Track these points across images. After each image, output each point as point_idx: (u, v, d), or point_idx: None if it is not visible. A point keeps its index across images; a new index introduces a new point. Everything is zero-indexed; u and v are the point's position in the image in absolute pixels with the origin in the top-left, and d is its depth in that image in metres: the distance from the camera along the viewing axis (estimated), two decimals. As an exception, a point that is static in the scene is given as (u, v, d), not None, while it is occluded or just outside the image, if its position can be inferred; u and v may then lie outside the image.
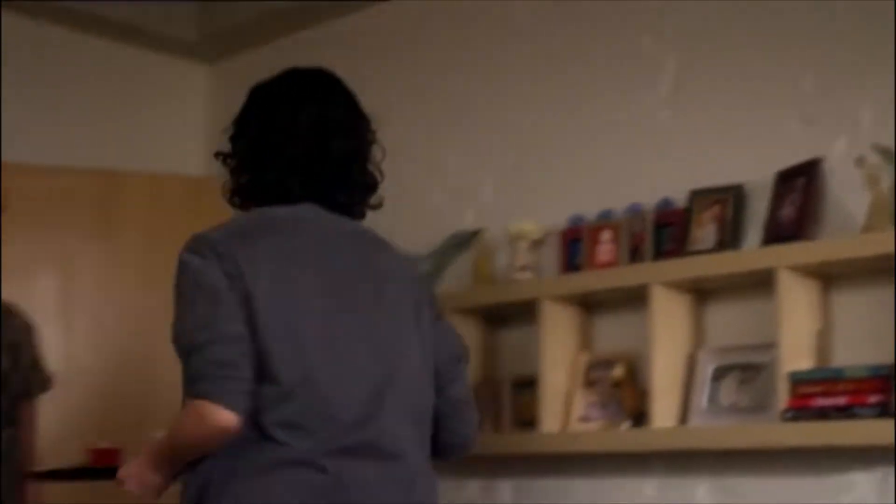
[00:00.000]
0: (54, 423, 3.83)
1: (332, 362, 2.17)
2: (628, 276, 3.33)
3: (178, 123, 4.94)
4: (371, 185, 2.40)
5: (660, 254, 3.34)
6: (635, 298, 3.32)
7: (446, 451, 2.41)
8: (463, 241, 3.86)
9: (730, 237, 3.21)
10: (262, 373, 2.13)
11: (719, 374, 3.20)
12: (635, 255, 3.41)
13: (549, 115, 3.77)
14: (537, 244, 3.69)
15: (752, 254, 3.12)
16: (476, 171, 3.96)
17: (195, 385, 2.11)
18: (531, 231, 3.65)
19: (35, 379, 2.92)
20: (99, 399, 4.35)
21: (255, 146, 2.33)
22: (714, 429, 3.14)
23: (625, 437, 3.29)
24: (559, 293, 3.47)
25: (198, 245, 2.27)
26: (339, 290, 2.23)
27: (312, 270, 2.22)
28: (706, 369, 3.23)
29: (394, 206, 4.10)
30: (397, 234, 3.96)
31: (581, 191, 3.64)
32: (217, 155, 2.42)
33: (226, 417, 2.08)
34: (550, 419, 3.44)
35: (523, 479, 3.65)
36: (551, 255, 3.65)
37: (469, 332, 3.74)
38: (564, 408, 3.47)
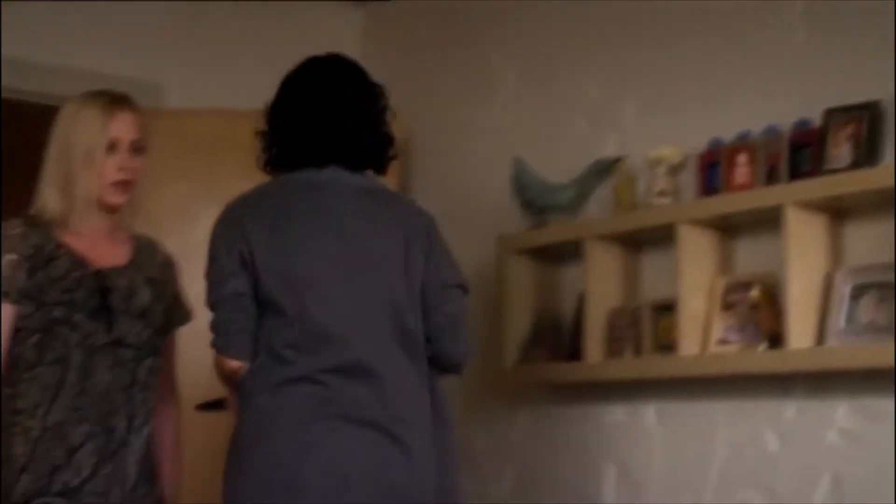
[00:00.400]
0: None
1: (323, 296, 2.71)
2: (763, 197, 3.30)
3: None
4: (382, 146, 2.94)
5: (796, 174, 3.30)
6: (772, 220, 3.29)
7: (444, 368, 2.92)
8: (604, 169, 3.88)
9: (866, 155, 3.16)
10: (271, 308, 2.72)
11: (857, 294, 3.16)
12: (771, 176, 3.38)
13: (686, 40, 3.75)
14: (677, 169, 3.68)
15: (888, 171, 3.06)
16: (617, 100, 3.97)
17: (212, 339, 2.77)
18: (669, 156, 3.65)
19: (176, 312, 3.05)
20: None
21: (278, 126, 2.92)
22: (852, 348, 3.10)
23: (761, 358, 3.28)
24: (695, 217, 3.47)
25: (221, 214, 2.88)
26: (336, 237, 2.76)
27: (312, 222, 2.77)
28: (843, 289, 3.19)
29: (539, 136, 4.21)
30: (543, 163, 4.04)
31: (720, 114, 3.61)
32: (256, 133, 2.99)
33: (233, 364, 2.75)
34: (689, 343, 3.45)
35: (666, 403, 3.68)
36: (691, 180, 3.65)
37: (610, 259, 3.78)
38: (703, 331, 3.47)
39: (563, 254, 3.98)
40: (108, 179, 2.91)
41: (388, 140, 2.95)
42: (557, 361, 3.88)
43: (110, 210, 2.96)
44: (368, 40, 5.11)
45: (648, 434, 3.72)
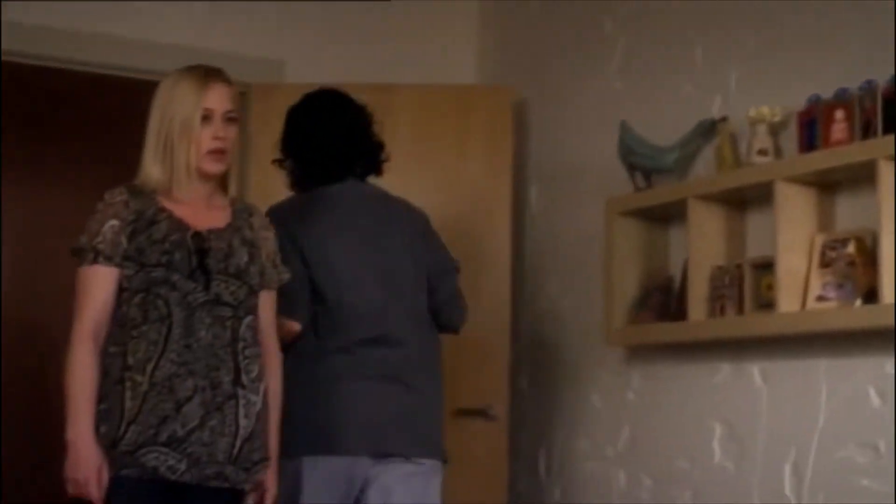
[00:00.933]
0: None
1: (355, 286, 3.47)
2: (856, 152, 3.30)
3: (451, 34, 5.17)
4: (377, 153, 3.71)
5: (889, 129, 3.29)
6: (870, 176, 3.28)
7: (448, 331, 3.75)
8: (707, 130, 3.91)
9: (958, 107, 3.13)
10: (317, 298, 3.45)
11: (951, 248, 3.14)
12: (867, 131, 3.36)
13: (786, 2, 3.76)
14: (777, 128, 3.69)
15: (980, 122, 3.04)
16: (722, 62, 3.98)
17: (281, 303, 3.29)
18: (768, 115, 3.66)
19: (272, 273, 3.20)
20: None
21: (298, 153, 3.64)
22: (947, 303, 3.09)
23: (857, 314, 3.28)
24: (790, 174, 3.48)
25: (272, 217, 3.39)
26: (360, 237, 3.53)
27: (341, 226, 3.51)
28: (938, 243, 3.17)
29: (648, 100, 4.25)
30: (651, 127, 4.09)
31: (819, 72, 3.60)
32: (274, 162, 3.69)
33: (294, 327, 3.42)
34: (788, 300, 3.47)
35: (770, 362, 3.69)
36: (792, 138, 3.65)
37: (713, 218, 3.81)
38: (802, 288, 3.48)
39: (672, 216, 4.03)
40: (204, 148, 3.07)
41: (381, 147, 3.72)
42: (664, 322, 3.92)
43: (207, 178, 3.13)
44: (486, 12, 5.21)
45: (753, 392, 3.75)
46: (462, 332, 4.53)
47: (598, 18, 4.54)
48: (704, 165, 3.98)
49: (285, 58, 4.85)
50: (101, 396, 2.96)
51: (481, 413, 4.55)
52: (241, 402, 3.03)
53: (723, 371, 3.86)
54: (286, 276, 3.29)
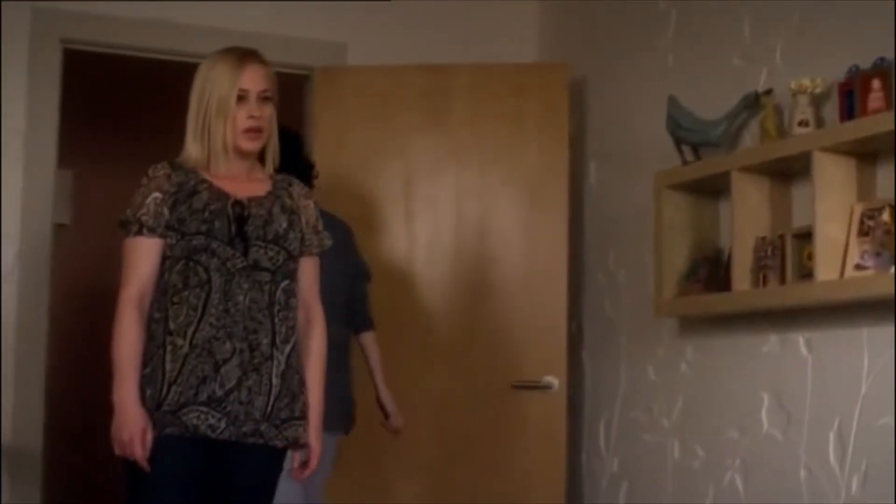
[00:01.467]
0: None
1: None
2: (889, 121, 3.31)
3: (512, 14, 5.25)
4: (307, 172, 4.02)
5: (926, 97, 3.30)
6: (906, 144, 3.31)
7: (355, 326, 4.17)
8: (752, 103, 3.94)
9: None
10: None
11: (983, 214, 3.15)
12: (903, 100, 3.38)
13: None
14: (820, 98, 3.71)
15: None
16: (768, 34, 4.01)
17: None
18: (809, 86, 3.68)
19: (312, 240, 3.32)
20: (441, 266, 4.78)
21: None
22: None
23: (890, 281, 3.30)
24: (827, 144, 3.50)
25: None
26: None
27: None
28: (970, 209, 3.18)
29: (698, 75, 4.29)
30: (702, 101, 4.13)
31: (862, 42, 3.61)
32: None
33: None
34: (826, 269, 3.49)
35: (815, 331, 3.72)
36: (833, 109, 3.67)
37: (756, 190, 3.85)
38: (841, 257, 3.51)
39: (720, 188, 4.06)
40: (240, 127, 3.18)
41: (311, 167, 4.10)
42: (712, 293, 3.97)
43: (244, 155, 3.24)
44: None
45: (799, 362, 3.78)
46: (520, 307, 4.65)
47: (652, -5, 4.60)
48: (751, 138, 4.01)
49: (347, 41, 4.97)
50: (146, 360, 3.10)
51: (540, 387, 4.63)
52: (275, 362, 3.15)
53: (770, 341, 3.90)
54: (328, 241, 3.39)
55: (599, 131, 4.89)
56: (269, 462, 3.22)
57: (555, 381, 4.65)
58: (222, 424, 3.09)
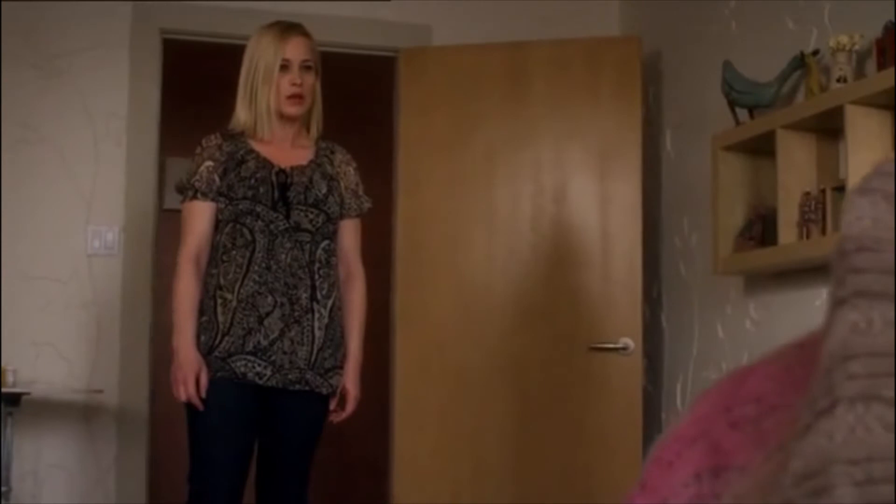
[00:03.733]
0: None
1: None
2: (909, 71, 3.38)
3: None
4: None
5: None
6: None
7: None
8: (798, 63, 4.02)
9: None
10: None
11: None
12: (929, 51, 3.43)
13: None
14: (862, 55, 3.78)
15: None
16: (817, -5, 4.09)
17: None
18: (847, 42, 3.75)
19: (351, 204, 3.59)
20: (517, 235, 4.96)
21: None
22: None
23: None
24: (855, 97, 3.57)
25: None
26: None
27: None
28: None
29: (757, 39, 4.38)
30: (763, 63, 4.23)
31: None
32: None
33: None
34: (860, 220, 3.56)
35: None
36: (874, 65, 3.73)
37: (801, 147, 3.94)
38: (875, 208, 3.57)
39: (774, 148, 4.15)
40: (284, 93, 3.49)
41: None
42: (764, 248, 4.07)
43: (288, 119, 3.54)
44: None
45: (847, 314, 3.84)
46: (596, 272, 4.81)
47: (717, -36, 4.70)
48: (803, 98, 4.09)
49: (432, 23, 5.19)
50: (202, 311, 3.43)
51: (617, 349, 4.78)
52: (317, 315, 3.44)
53: (822, 296, 3.98)
54: (367, 204, 3.68)
55: (673, 101, 5.01)
56: (315, 407, 3.51)
57: (631, 342, 4.78)
58: (268, 372, 3.39)
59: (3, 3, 4.78)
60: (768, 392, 0.80)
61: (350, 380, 3.54)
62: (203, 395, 3.36)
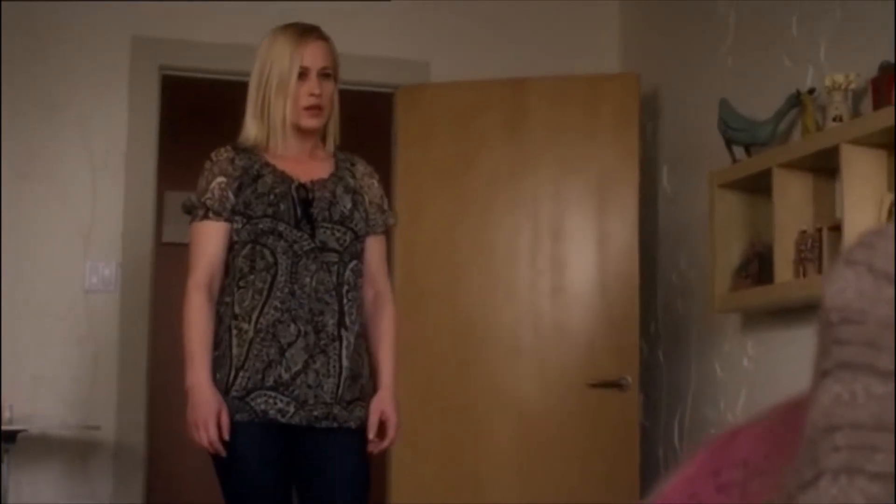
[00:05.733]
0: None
1: None
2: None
3: (594, 27, 5.42)
4: None
5: (942, 87, 3.36)
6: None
7: None
8: (794, 102, 4.03)
9: None
10: None
11: None
12: (923, 91, 3.44)
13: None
14: (858, 94, 3.79)
15: None
16: (813, 33, 4.10)
17: None
18: (843, 82, 3.77)
19: (377, 219, 3.31)
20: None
21: None
22: None
23: None
24: (851, 137, 3.59)
25: None
26: None
27: None
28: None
29: (754, 75, 4.39)
30: (758, 101, 4.24)
31: (889, 39, 3.67)
32: None
33: None
34: (856, 258, 3.57)
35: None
36: (869, 104, 3.75)
37: (798, 185, 3.94)
38: (872, 247, 3.57)
39: (770, 186, 4.16)
40: (301, 104, 3.15)
41: None
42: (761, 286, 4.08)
43: (305, 133, 3.21)
44: (626, 3, 5.43)
45: (844, 352, 3.85)
46: (594, 308, 4.81)
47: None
48: (800, 136, 4.10)
49: (429, 59, 5.21)
50: (216, 344, 3.08)
51: (615, 385, 4.77)
52: (344, 343, 3.11)
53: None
54: (392, 220, 3.39)
55: (671, 137, 5.03)
56: (350, 443, 3.16)
57: (629, 379, 4.78)
58: (291, 409, 3.05)
59: (2, 4, 4.77)
60: (755, 455, 0.81)
61: (389, 405, 3.22)
62: (226, 437, 3.01)
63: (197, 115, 6.17)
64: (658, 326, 5.01)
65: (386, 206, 3.37)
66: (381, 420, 3.21)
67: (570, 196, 4.95)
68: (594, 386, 4.79)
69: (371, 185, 3.33)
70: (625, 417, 4.77)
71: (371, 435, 3.20)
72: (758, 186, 4.21)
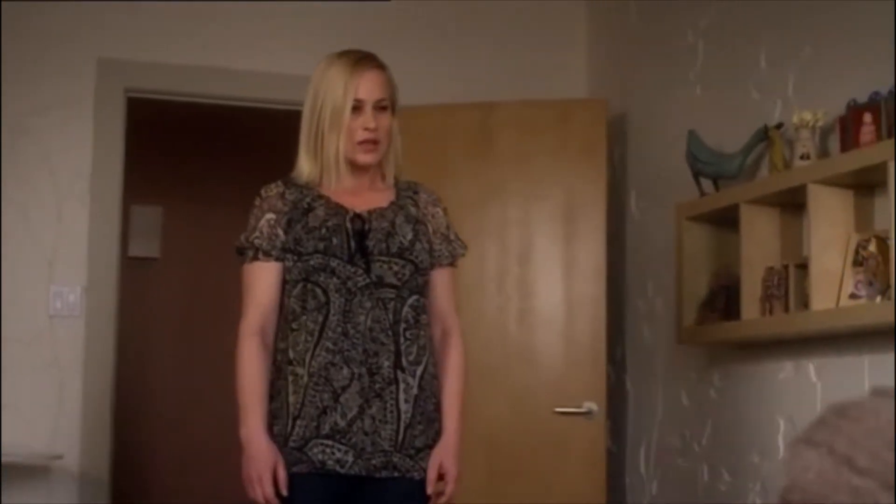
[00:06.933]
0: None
1: None
2: (871, 155, 3.40)
3: (562, 52, 5.41)
4: None
5: (908, 130, 3.37)
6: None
7: None
8: (762, 136, 4.04)
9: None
10: None
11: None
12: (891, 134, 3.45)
13: (838, 9, 3.85)
14: (825, 131, 3.80)
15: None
16: (782, 67, 4.10)
17: None
18: (811, 119, 3.77)
19: (442, 251, 3.11)
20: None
21: None
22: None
23: (878, 310, 3.38)
24: (818, 177, 3.60)
25: None
26: None
27: None
28: (948, 241, 3.24)
29: (722, 107, 4.40)
30: (727, 132, 4.24)
31: (868, 75, 3.67)
32: None
33: None
34: (823, 298, 3.58)
35: (823, 358, 3.81)
36: (836, 142, 3.76)
37: (765, 221, 3.95)
38: (838, 287, 3.59)
39: (738, 220, 4.16)
40: (355, 139, 2.97)
41: None
42: (727, 321, 4.08)
43: (360, 170, 3.02)
44: (594, 28, 5.42)
45: (810, 388, 3.87)
46: (561, 335, 4.81)
47: (682, 29, 4.71)
48: (767, 170, 4.11)
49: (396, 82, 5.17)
50: (274, 394, 2.93)
51: (581, 413, 4.77)
52: (402, 386, 2.91)
53: (786, 368, 3.99)
54: (462, 250, 3.15)
55: (639, 163, 5.03)
56: (410, 495, 2.95)
57: (595, 407, 4.78)
58: (349, 458, 2.88)
59: (2, 4, 4.75)
60: None
61: (449, 457, 2.97)
62: (284, 492, 2.86)
63: (164, 137, 6.15)
64: (625, 352, 5.02)
65: (453, 236, 3.15)
66: (440, 472, 2.98)
67: (537, 221, 4.95)
68: (560, 413, 4.79)
69: (435, 214, 3.13)
70: (591, 445, 4.78)
71: (429, 490, 2.96)
72: (725, 219, 4.22)
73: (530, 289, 4.91)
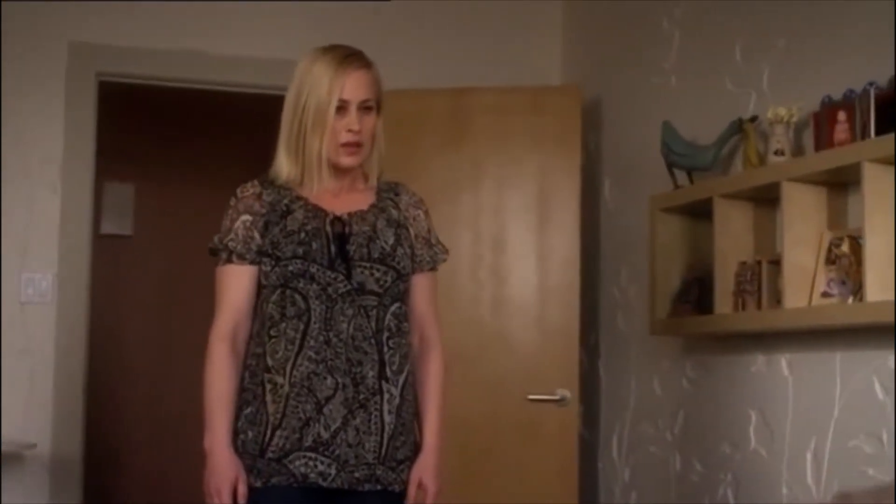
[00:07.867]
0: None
1: None
2: (844, 155, 3.41)
3: (537, 38, 5.39)
4: None
5: (883, 130, 3.36)
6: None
7: None
8: (736, 129, 4.03)
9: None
10: None
11: (933, 247, 3.22)
12: (864, 133, 3.45)
13: (813, 4, 3.85)
14: (799, 126, 3.80)
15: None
16: (756, 60, 4.10)
17: None
18: (785, 115, 3.77)
19: (423, 256, 3.01)
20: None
21: None
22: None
23: (849, 310, 3.39)
24: (791, 175, 3.60)
25: None
26: None
27: None
28: (920, 242, 3.25)
29: (696, 97, 4.39)
30: (702, 123, 4.24)
31: (843, 69, 3.66)
32: None
33: None
34: (795, 296, 3.59)
35: (795, 353, 3.82)
36: (810, 138, 3.76)
37: (738, 216, 3.95)
38: (811, 284, 3.60)
39: (711, 212, 4.16)
40: (338, 140, 2.86)
41: None
42: (700, 313, 4.09)
43: (342, 172, 2.91)
44: (569, 16, 5.40)
45: (782, 382, 3.88)
46: (534, 321, 4.81)
47: (658, 17, 4.70)
48: (742, 164, 4.11)
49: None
50: (248, 400, 2.84)
51: (554, 400, 4.78)
52: (386, 396, 2.83)
53: (758, 361, 4.01)
54: (443, 255, 3.05)
55: (614, 150, 5.02)
56: None
57: (568, 393, 4.80)
58: (332, 471, 2.79)
59: (2, 4, 4.70)
60: None
61: (428, 472, 2.91)
62: None
63: (136, 113, 6.10)
64: (598, 340, 5.03)
65: (435, 241, 3.04)
66: (419, 487, 2.92)
67: (511, 208, 4.94)
68: (533, 400, 4.80)
69: (417, 217, 3.02)
70: (564, 432, 4.79)
71: (408, 502, 2.90)
72: (698, 211, 4.22)
73: (504, 276, 4.91)
